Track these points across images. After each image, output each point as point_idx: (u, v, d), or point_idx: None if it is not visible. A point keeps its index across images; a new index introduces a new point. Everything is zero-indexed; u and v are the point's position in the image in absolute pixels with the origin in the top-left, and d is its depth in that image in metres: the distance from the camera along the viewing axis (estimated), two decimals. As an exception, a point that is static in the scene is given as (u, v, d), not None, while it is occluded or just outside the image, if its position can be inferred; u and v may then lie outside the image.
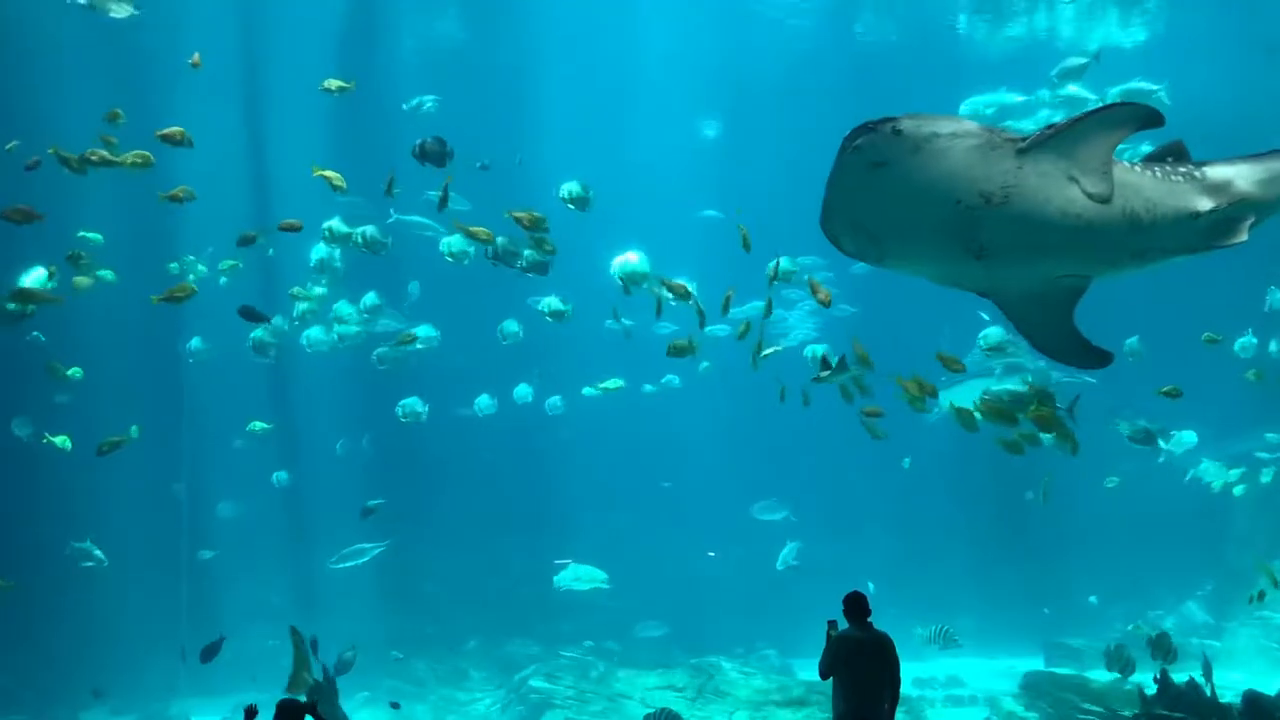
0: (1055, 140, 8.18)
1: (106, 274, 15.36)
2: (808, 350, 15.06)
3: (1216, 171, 9.34)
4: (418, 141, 13.29)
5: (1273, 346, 17.68)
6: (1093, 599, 20.13)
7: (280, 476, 19.96)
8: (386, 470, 21.61)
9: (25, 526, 17.18)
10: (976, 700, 17.43)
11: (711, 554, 18.62)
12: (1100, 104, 8.31)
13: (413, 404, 18.29)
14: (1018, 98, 20.75)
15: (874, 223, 8.28)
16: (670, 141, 24.58)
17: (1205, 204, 9.07)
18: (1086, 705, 13.49)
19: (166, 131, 11.67)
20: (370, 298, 17.39)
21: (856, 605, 7.22)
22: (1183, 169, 9.26)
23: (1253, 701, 10.99)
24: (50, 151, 12.05)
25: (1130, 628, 16.59)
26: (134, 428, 15.25)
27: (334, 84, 14.25)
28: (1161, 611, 19.91)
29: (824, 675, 7.29)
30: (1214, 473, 18.60)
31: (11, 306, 13.18)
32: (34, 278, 13.48)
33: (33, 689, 16.78)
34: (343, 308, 17.47)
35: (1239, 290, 17.94)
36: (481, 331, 18.24)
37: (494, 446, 21.89)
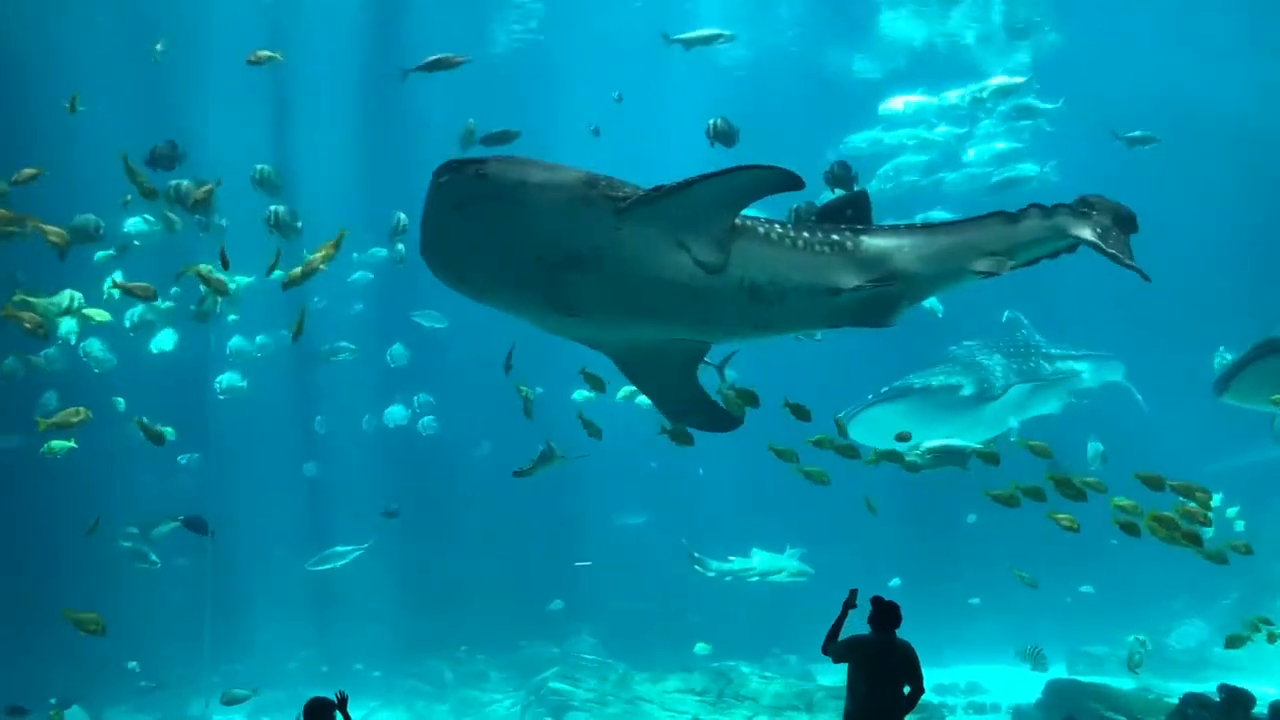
0: (663, 203, 7.45)
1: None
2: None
3: (875, 243, 8.51)
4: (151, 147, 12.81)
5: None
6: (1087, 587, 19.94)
7: (309, 467, 20.01)
8: (409, 470, 21.69)
9: (39, 527, 17.34)
10: (999, 708, 17.30)
11: (731, 559, 18.52)
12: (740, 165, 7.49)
13: (396, 412, 18.13)
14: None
15: (459, 263, 7.75)
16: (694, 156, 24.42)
17: (850, 280, 8.27)
18: (1110, 714, 13.35)
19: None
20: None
21: (886, 615, 7.07)
22: (835, 237, 8.44)
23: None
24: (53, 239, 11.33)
25: (1131, 639, 16.29)
26: (169, 429, 15.19)
27: (263, 54, 13.75)
28: (1187, 620, 19.72)
29: (825, 650, 7.17)
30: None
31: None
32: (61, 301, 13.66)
33: (54, 689, 16.89)
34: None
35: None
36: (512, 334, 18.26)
37: (516, 449, 21.90)
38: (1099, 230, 8.97)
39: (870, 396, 15.96)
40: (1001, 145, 22.72)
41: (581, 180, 7.50)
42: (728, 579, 17.55)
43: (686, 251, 7.74)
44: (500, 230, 7.47)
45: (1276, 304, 14.82)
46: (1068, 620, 20.11)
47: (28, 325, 10.66)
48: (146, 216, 14.46)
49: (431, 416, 21.17)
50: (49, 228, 10.74)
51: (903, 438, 12.06)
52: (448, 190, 7.48)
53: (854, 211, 8.74)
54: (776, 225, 8.27)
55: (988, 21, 22.44)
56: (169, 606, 18.42)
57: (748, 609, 19.96)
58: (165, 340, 17.36)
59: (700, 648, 17.44)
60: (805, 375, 14.28)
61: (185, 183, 12.39)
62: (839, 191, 12.39)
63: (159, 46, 14.80)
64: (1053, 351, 18.08)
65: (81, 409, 11.04)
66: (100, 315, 13.83)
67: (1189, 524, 9.91)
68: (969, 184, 22.26)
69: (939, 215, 21.56)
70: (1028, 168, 21.97)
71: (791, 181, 7.58)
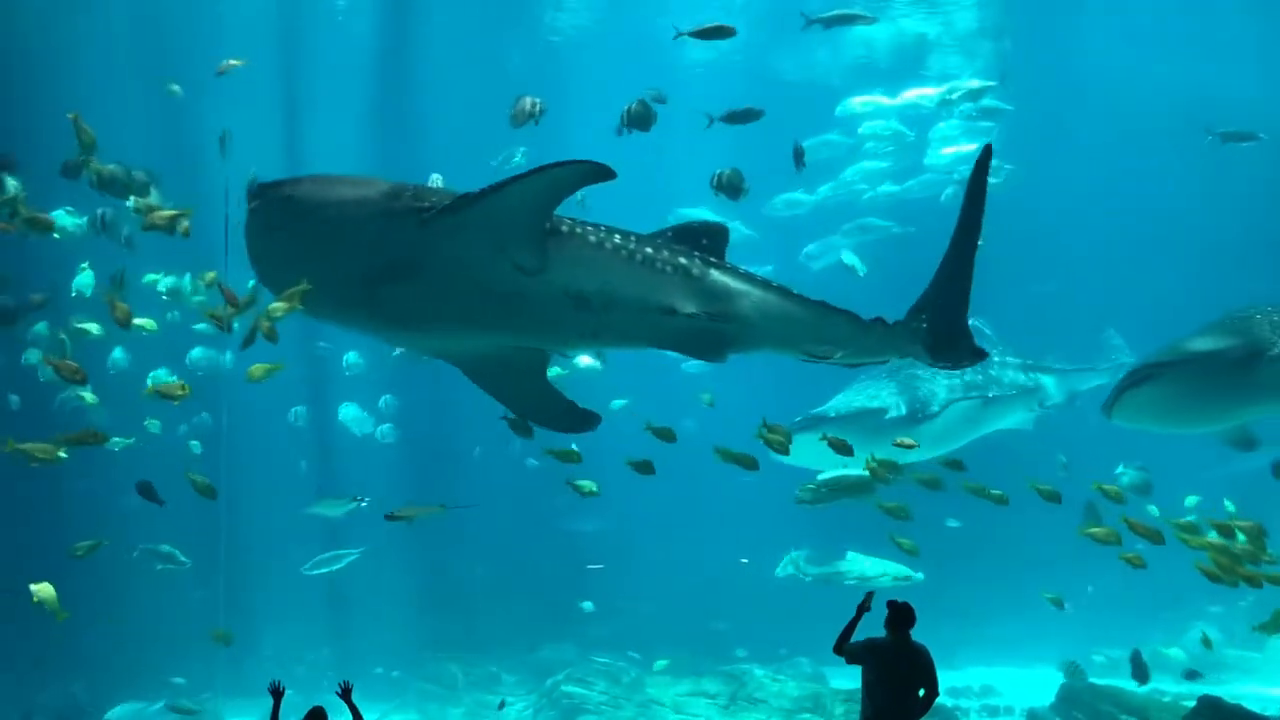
0: (468, 210, 7.40)
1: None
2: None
3: (724, 280, 8.47)
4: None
5: None
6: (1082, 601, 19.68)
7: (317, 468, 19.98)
8: (421, 471, 21.70)
9: (52, 527, 17.37)
10: (1013, 711, 17.27)
11: (744, 560, 18.51)
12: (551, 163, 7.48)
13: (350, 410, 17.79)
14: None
15: (286, 285, 7.79)
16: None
17: (689, 306, 8.21)
18: (1124, 717, 13.31)
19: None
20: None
21: (901, 616, 7.04)
22: (683, 260, 8.36)
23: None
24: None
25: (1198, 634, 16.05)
26: (195, 443, 15.09)
27: (231, 63, 13.63)
28: (1201, 622, 19.59)
29: (837, 650, 7.12)
30: None
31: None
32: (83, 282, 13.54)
33: (66, 690, 16.98)
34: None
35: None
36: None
37: (528, 451, 21.92)
38: (931, 344, 9.09)
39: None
40: (966, 148, 21.42)
41: (386, 193, 7.50)
42: (824, 584, 16.80)
43: (503, 257, 7.64)
44: (313, 249, 7.52)
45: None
46: (1082, 622, 20.03)
47: (65, 374, 10.49)
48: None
49: (390, 425, 20.75)
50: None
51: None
52: (259, 215, 7.60)
53: (709, 241, 8.67)
54: (616, 235, 8.15)
55: (951, 20, 22.00)
56: (180, 608, 18.46)
57: (761, 612, 19.95)
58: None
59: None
60: (780, 382, 14.14)
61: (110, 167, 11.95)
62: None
63: (175, 88, 14.74)
64: (1015, 362, 16.58)
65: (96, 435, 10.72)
66: (149, 325, 13.61)
67: (1249, 564, 9.84)
68: (926, 190, 21.27)
69: (875, 223, 21.47)
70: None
71: (601, 173, 7.49)
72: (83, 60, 19.75)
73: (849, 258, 19.97)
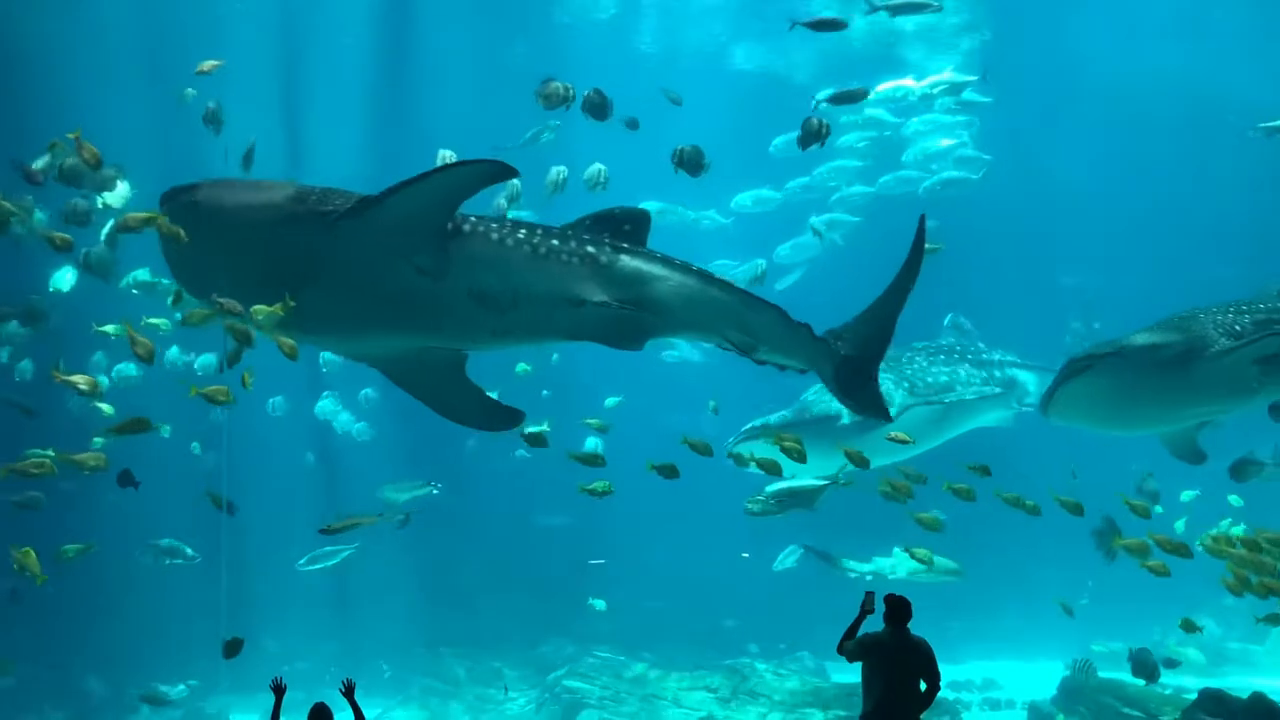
0: (369, 213, 7.41)
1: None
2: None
3: (634, 265, 8.36)
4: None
5: None
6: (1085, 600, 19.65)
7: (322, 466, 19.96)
8: (424, 466, 21.71)
9: (53, 527, 17.39)
10: (1014, 704, 17.30)
11: (745, 555, 18.51)
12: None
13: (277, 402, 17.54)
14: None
15: (201, 290, 7.94)
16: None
17: (598, 295, 8.11)
18: (1126, 710, 13.34)
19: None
20: None
21: (896, 610, 7.07)
22: (591, 249, 8.26)
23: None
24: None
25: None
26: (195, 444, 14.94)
27: (208, 65, 13.62)
28: (1202, 616, 19.61)
29: (840, 650, 7.16)
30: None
31: None
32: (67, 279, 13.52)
33: (72, 688, 17.01)
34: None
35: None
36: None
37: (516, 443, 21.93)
38: (843, 372, 9.17)
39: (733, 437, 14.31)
40: (945, 142, 21.23)
41: (289, 197, 7.52)
42: (868, 579, 16.05)
43: (405, 258, 7.63)
44: (219, 254, 7.58)
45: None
46: (1083, 615, 20.06)
47: (83, 387, 10.42)
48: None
49: (365, 424, 20.64)
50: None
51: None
52: (171, 219, 7.66)
53: (631, 227, 8.60)
54: (520, 230, 8.12)
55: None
56: (184, 605, 18.51)
57: (761, 606, 19.99)
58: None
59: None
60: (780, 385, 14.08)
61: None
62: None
63: (190, 91, 14.72)
64: (994, 359, 15.98)
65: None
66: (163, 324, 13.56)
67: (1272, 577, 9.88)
68: (903, 186, 20.71)
69: (843, 219, 21.11)
70: (966, 170, 20.69)
71: (503, 172, 7.59)
72: (82, 60, 19.75)
73: (816, 221, 19.76)
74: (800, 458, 10.73)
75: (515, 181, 11.64)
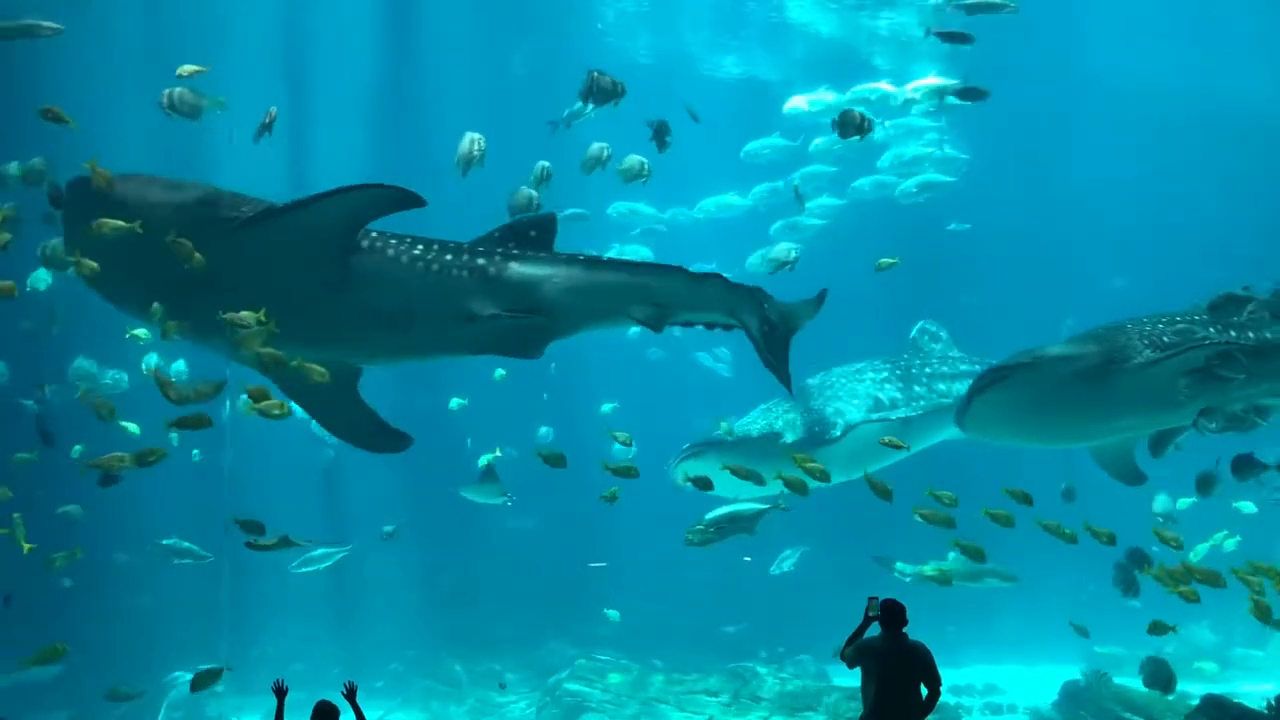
0: (271, 223, 7.39)
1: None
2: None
3: (522, 270, 8.25)
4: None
5: None
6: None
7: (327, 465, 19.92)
8: (424, 470, 21.69)
9: (57, 527, 17.36)
10: (1015, 709, 17.26)
11: (747, 559, 18.48)
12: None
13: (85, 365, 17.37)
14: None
15: (106, 289, 7.89)
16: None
17: (489, 308, 8.01)
18: (1128, 715, 13.30)
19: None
20: None
21: (891, 615, 7.04)
22: (480, 261, 8.14)
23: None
24: None
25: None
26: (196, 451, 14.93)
27: (188, 69, 13.56)
28: (1204, 621, 19.59)
29: (841, 655, 7.16)
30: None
31: None
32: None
33: (75, 688, 16.97)
34: None
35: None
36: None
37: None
38: (765, 326, 9.06)
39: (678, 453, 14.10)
40: (923, 149, 20.87)
41: (198, 199, 7.46)
42: (923, 582, 16.30)
43: (306, 272, 7.60)
44: (119, 250, 7.38)
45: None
46: (1085, 621, 20.01)
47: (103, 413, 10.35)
48: None
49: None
50: None
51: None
52: (68, 213, 7.71)
53: (537, 233, 8.53)
54: (417, 246, 8.00)
55: (905, 12, 21.07)
56: (186, 604, 18.49)
57: (763, 610, 19.96)
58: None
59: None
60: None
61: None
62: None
63: (220, 100, 14.70)
64: (960, 370, 15.14)
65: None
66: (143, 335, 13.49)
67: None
68: (879, 191, 20.39)
69: (807, 222, 20.52)
70: (943, 173, 20.35)
71: (409, 200, 7.43)
72: (80, 60, 19.72)
73: (796, 177, 19.47)
74: (746, 476, 10.87)
75: (544, 163, 11.55)
